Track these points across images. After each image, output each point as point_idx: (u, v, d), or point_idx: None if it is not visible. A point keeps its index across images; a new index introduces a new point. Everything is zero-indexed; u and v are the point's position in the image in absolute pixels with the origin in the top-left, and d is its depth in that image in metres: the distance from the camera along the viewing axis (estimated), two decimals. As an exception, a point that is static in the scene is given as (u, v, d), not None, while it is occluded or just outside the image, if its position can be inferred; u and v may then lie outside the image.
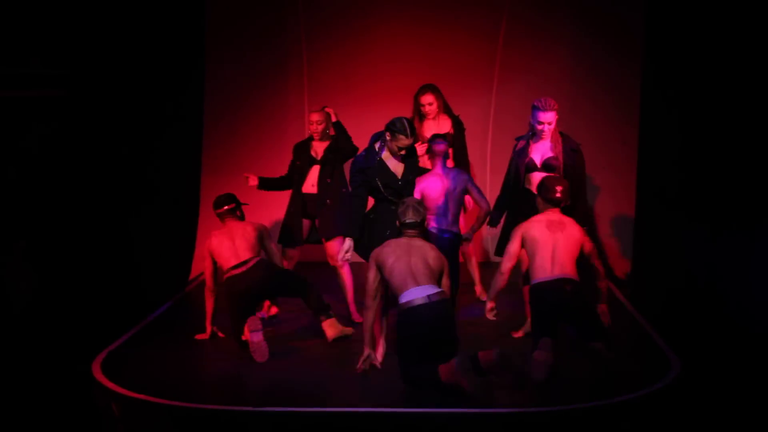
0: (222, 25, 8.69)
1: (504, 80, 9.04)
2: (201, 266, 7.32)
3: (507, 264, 6.01)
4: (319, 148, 7.12)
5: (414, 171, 6.26)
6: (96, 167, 6.98)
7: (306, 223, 7.13)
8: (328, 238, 6.98)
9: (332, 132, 7.11)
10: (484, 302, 7.33)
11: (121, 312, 6.86)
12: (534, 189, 6.28)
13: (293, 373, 5.85)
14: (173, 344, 6.49)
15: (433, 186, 6.71)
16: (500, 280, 6.01)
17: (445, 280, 5.71)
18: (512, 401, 5.19)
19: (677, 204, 6.88)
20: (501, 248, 6.30)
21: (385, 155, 6.16)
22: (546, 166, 6.37)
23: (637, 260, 7.50)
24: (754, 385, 5.63)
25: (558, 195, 6.00)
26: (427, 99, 7.36)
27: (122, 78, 7.13)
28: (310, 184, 7.08)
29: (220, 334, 6.59)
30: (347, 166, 6.93)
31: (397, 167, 6.17)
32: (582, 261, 5.94)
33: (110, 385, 5.54)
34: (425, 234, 6.01)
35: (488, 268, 7.92)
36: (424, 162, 7.04)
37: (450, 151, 7.21)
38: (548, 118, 6.29)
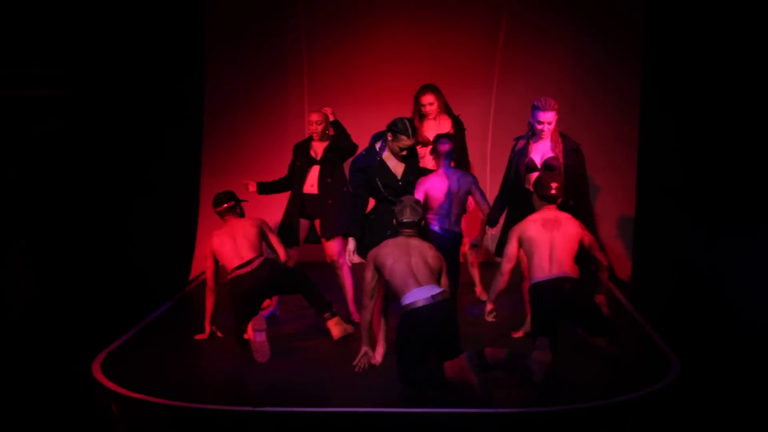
0: (222, 25, 8.68)
1: (504, 80, 9.04)
2: (201, 266, 7.33)
3: (506, 265, 6.01)
4: (318, 149, 7.12)
5: (414, 172, 6.26)
6: (96, 167, 6.99)
7: (305, 223, 7.12)
8: (330, 238, 6.97)
9: (332, 132, 7.11)
10: (484, 302, 7.37)
11: (121, 312, 6.86)
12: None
13: (293, 373, 5.85)
14: (173, 344, 6.49)
15: (437, 186, 6.72)
16: (500, 281, 6.02)
17: (444, 279, 5.72)
18: (512, 401, 5.19)
19: (678, 204, 6.88)
20: (501, 249, 6.30)
21: (386, 155, 6.16)
22: (546, 166, 6.36)
23: (637, 260, 7.49)
24: (754, 385, 5.63)
25: (553, 192, 5.99)
26: (428, 99, 7.36)
27: (122, 78, 7.13)
28: (310, 184, 7.08)
29: (219, 334, 6.59)
30: (347, 166, 6.94)
31: (397, 167, 6.17)
32: (583, 254, 5.94)
33: (110, 385, 5.54)
34: (424, 233, 6.00)
35: (489, 268, 7.92)
36: (425, 162, 7.05)
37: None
38: (548, 118, 6.29)
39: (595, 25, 8.71)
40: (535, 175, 6.38)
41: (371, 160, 6.16)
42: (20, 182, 6.54)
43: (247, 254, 6.36)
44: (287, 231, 7.09)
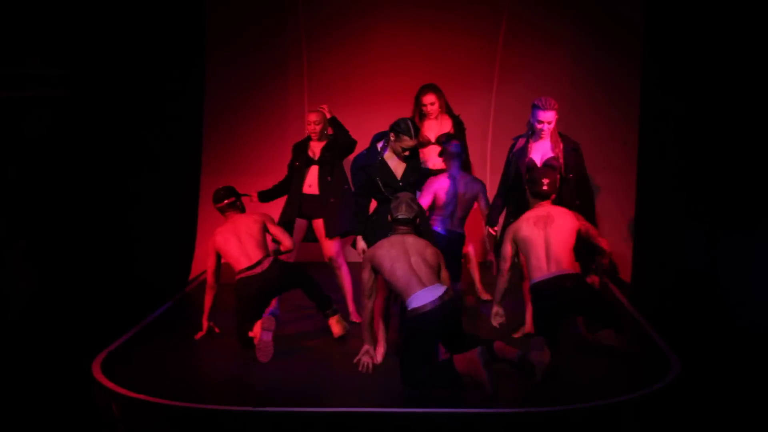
0: (222, 25, 8.68)
1: (504, 80, 9.05)
2: (201, 266, 7.34)
3: (503, 265, 6.03)
4: (316, 149, 7.12)
5: (416, 173, 6.26)
6: (96, 167, 6.98)
7: (302, 223, 7.12)
8: (334, 236, 6.98)
9: (330, 131, 7.11)
10: (485, 301, 7.38)
11: (121, 312, 6.86)
12: (534, 189, 6.28)
13: (293, 373, 5.85)
14: (173, 344, 6.49)
15: (445, 188, 6.76)
16: (500, 281, 6.03)
17: (443, 273, 5.71)
18: (512, 401, 5.19)
19: (677, 204, 6.88)
20: (498, 249, 6.31)
21: (388, 155, 6.16)
22: (546, 166, 6.36)
23: (637, 260, 7.49)
24: (754, 385, 5.63)
25: (545, 188, 5.99)
26: (429, 99, 7.36)
27: (122, 78, 7.13)
28: (308, 184, 7.08)
29: (216, 330, 6.58)
30: (347, 165, 6.94)
31: (398, 168, 6.17)
32: (584, 245, 5.93)
33: (110, 385, 5.54)
34: (427, 234, 5.99)
35: (488, 268, 7.92)
36: (424, 160, 7.07)
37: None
38: (548, 117, 6.29)
39: (595, 25, 8.71)
40: (535, 175, 6.39)
41: (372, 159, 6.16)
42: (20, 182, 6.53)
43: (255, 254, 6.35)
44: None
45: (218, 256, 6.48)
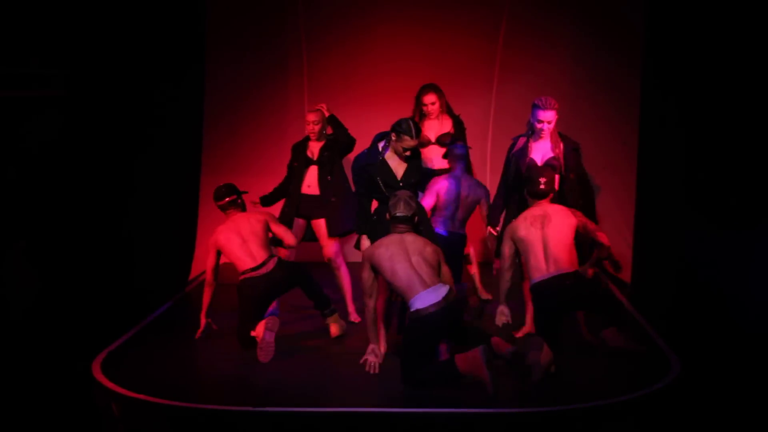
0: (222, 25, 8.68)
1: (504, 80, 9.04)
2: (201, 266, 7.33)
3: (503, 265, 6.05)
4: (315, 149, 7.12)
5: (417, 173, 6.25)
6: (95, 167, 6.98)
7: (301, 222, 7.12)
8: (337, 235, 6.98)
9: (329, 131, 7.11)
10: (486, 301, 7.38)
11: (121, 312, 6.86)
12: (535, 189, 6.28)
13: (293, 373, 5.85)
14: (173, 344, 6.49)
15: (448, 188, 6.78)
16: (503, 282, 6.06)
17: (444, 269, 5.69)
18: (512, 401, 5.19)
19: (677, 204, 6.88)
20: (499, 249, 6.32)
21: (388, 155, 6.16)
22: (546, 166, 6.36)
23: (637, 260, 7.49)
24: (754, 385, 5.63)
25: (542, 187, 6.00)
26: (430, 99, 7.37)
27: (122, 78, 7.13)
28: (307, 185, 7.09)
29: (214, 327, 6.57)
30: (347, 165, 6.94)
31: (398, 168, 6.17)
32: (585, 240, 5.93)
33: (110, 385, 5.54)
34: (419, 230, 5.97)
35: (489, 268, 7.92)
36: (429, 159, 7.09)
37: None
38: (548, 117, 6.29)
39: (595, 25, 8.70)
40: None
41: (373, 158, 6.16)
42: (20, 182, 6.53)
43: (260, 255, 6.36)
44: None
45: (218, 254, 6.48)
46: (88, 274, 6.87)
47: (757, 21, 6.33)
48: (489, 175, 8.95)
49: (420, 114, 7.43)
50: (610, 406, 5.14)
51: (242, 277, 6.35)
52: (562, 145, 6.35)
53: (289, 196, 7.13)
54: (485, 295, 7.48)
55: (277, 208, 7.20)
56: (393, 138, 6.10)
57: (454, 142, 7.09)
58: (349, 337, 6.48)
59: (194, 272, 8.16)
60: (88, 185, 6.93)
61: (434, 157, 7.33)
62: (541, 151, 6.39)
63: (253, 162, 8.83)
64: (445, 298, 5.45)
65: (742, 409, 5.33)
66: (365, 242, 6.23)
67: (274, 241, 6.63)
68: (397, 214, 5.71)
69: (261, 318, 6.19)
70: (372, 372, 5.72)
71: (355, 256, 6.26)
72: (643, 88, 7.26)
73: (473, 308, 7.14)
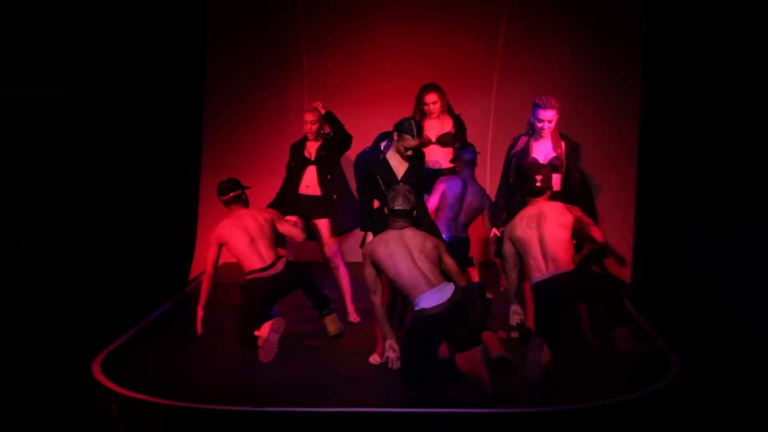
0: (222, 25, 8.68)
1: (504, 80, 9.04)
2: (201, 266, 7.33)
3: (507, 265, 6.05)
4: (312, 149, 7.11)
5: (418, 174, 6.24)
6: (95, 167, 6.98)
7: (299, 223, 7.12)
8: (340, 234, 6.99)
9: (327, 130, 7.09)
10: (489, 300, 7.37)
11: (121, 312, 6.86)
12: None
13: (293, 373, 5.85)
14: (173, 344, 6.49)
15: (454, 189, 6.80)
16: (509, 281, 6.07)
17: (448, 260, 5.67)
18: (512, 401, 5.19)
19: (677, 204, 6.88)
20: (500, 249, 6.31)
21: (390, 154, 6.15)
22: (545, 165, 6.36)
23: (637, 260, 7.49)
24: (754, 385, 5.62)
25: (538, 184, 5.99)
26: (431, 98, 7.36)
27: (122, 78, 7.13)
28: (305, 185, 7.09)
29: (210, 321, 6.55)
30: (346, 164, 6.94)
31: (399, 167, 6.15)
32: (581, 236, 5.92)
33: (110, 385, 5.54)
34: (418, 224, 5.94)
35: (489, 268, 7.93)
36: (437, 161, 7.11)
37: (451, 150, 7.27)
38: (549, 116, 6.28)
39: (595, 25, 8.70)
40: (536, 175, 6.38)
41: (374, 156, 6.16)
42: (20, 182, 6.53)
43: (269, 255, 6.36)
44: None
45: (220, 248, 6.46)
46: (88, 274, 6.86)
47: (757, 21, 6.32)
48: (489, 175, 8.95)
49: (421, 113, 7.43)
50: (610, 406, 5.14)
51: (249, 276, 6.34)
52: (563, 145, 6.35)
53: (287, 197, 7.13)
54: (489, 295, 7.47)
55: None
56: (395, 137, 6.10)
57: (455, 142, 7.08)
58: (349, 337, 6.48)
59: (194, 272, 8.16)
60: (87, 185, 6.93)
61: (441, 159, 7.32)
62: (542, 151, 6.38)
63: (253, 162, 8.83)
64: (450, 299, 5.43)
65: (742, 409, 5.33)
66: (370, 239, 6.21)
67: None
68: (396, 208, 5.66)
69: (265, 318, 6.18)
70: (394, 368, 5.63)
71: (358, 256, 6.24)
72: (643, 89, 7.26)
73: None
